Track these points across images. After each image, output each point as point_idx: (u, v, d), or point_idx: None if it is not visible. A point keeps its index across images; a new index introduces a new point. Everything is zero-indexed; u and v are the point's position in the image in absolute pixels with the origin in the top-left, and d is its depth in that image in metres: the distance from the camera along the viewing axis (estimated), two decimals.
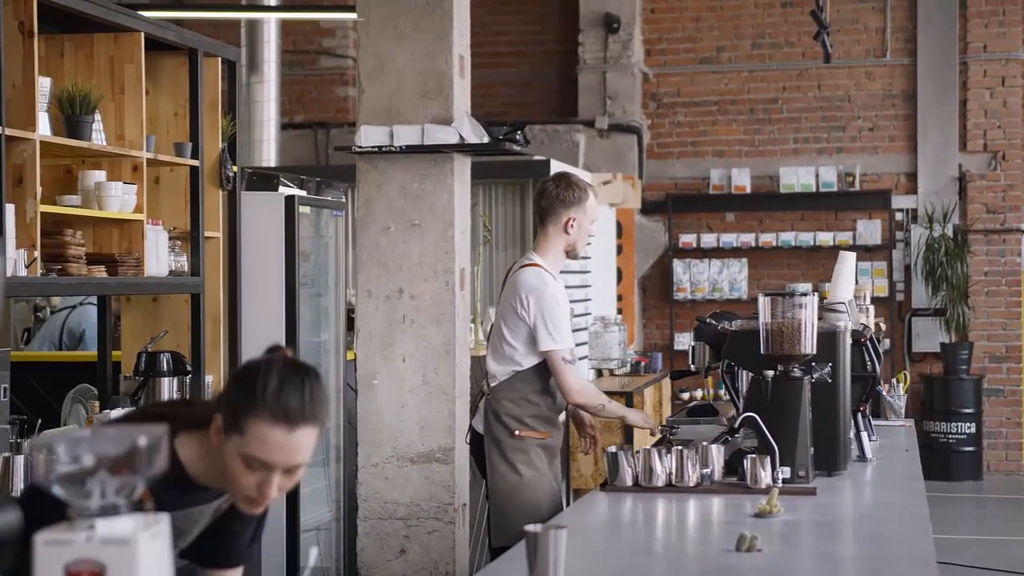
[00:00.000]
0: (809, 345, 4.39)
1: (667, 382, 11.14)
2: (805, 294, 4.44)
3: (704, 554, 3.47)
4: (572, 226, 5.08)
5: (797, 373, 4.40)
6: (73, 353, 7.14)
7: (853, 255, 5.55)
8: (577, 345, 8.83)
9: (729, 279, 12.78)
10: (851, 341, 4.86)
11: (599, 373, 10.23)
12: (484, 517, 7.37)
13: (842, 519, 4.00)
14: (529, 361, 5.00)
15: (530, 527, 2.72)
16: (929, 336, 12.54)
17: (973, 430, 12.20)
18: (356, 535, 5.77)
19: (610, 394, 8.94)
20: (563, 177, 5.25)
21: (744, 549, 3.29)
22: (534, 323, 4.93)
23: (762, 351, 4.42)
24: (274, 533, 6.09)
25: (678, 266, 12.88)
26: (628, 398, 9.07)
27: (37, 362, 6.82)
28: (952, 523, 10.57)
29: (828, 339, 4.54)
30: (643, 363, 10.72)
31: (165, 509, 2.59)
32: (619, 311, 11.98)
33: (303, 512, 6.34)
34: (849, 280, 5.40)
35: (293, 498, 6.20)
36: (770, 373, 4.39)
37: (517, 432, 4.99)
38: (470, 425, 5.23)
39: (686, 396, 12.25)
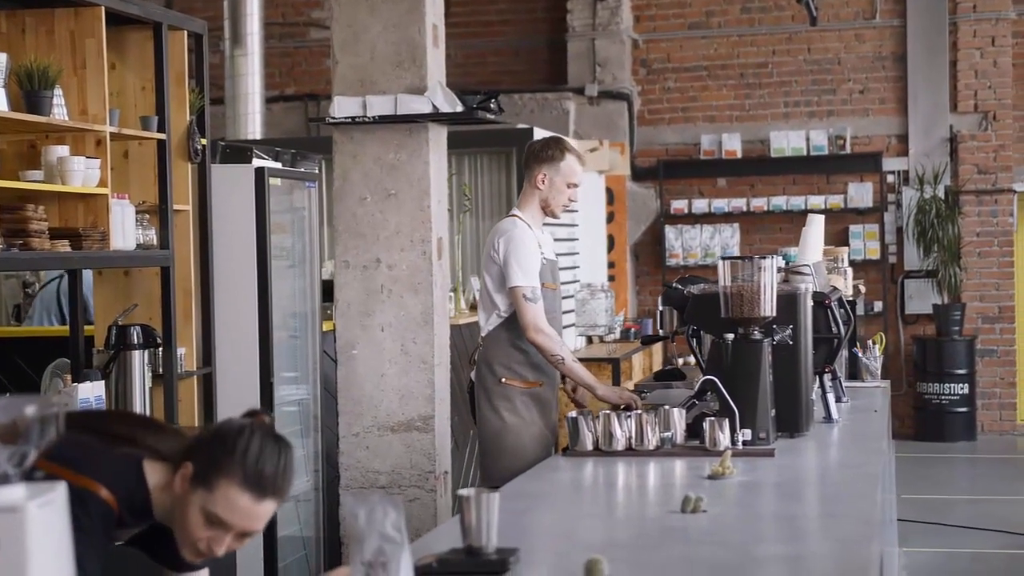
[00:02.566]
0: (768, 308, 4.40)
1: (658, 348, 11.17)
2: (764, 257, 4.44)
3: (648, 516, 3.50)
4: (544, 182, 5.27)
5: (757, 336, 4.42)
6: (57, 328, 7.17)
7: (821, 218, 5.57)
8: (564, 312, 8.91)
9: (721, 244, 12.78)
10: (815, 303, 4.87)
11: (588, 340, 10.25)
12: (468, 483, 7.42)
13: (795, 480, 4.02)
14: (506, 305, 5.19)
15: (462, 491, 2.75)
16: (922, 298, 12.53)
17: (966, 391, 12.21)
18: (337, 504, 5.80)
19: (598, 360, 9.04)
20: (547, 137, 5.55)
21: (689, 511, 3.31)
22: (503, 261, 5.14)
23: (722, 314, 4.44)
24: None
25: (670, 232, 12.88)
26: (615, 364, 9.10)
27: (22, 338, 6.85)
28: (945, 484, 10.61)
29: (788, 301, 4.55)
30: (633, 329, 10.74)
31: (124, 527, 2.63)
32: (611, 278, 12.00)
33: None
34: (817, 243, 5.41)
35: None
36: (730, 336, 4.41)
37: (503, 379, 5.19)
38: (469, 378, 5.43)
39: (680, 361, 12.26)
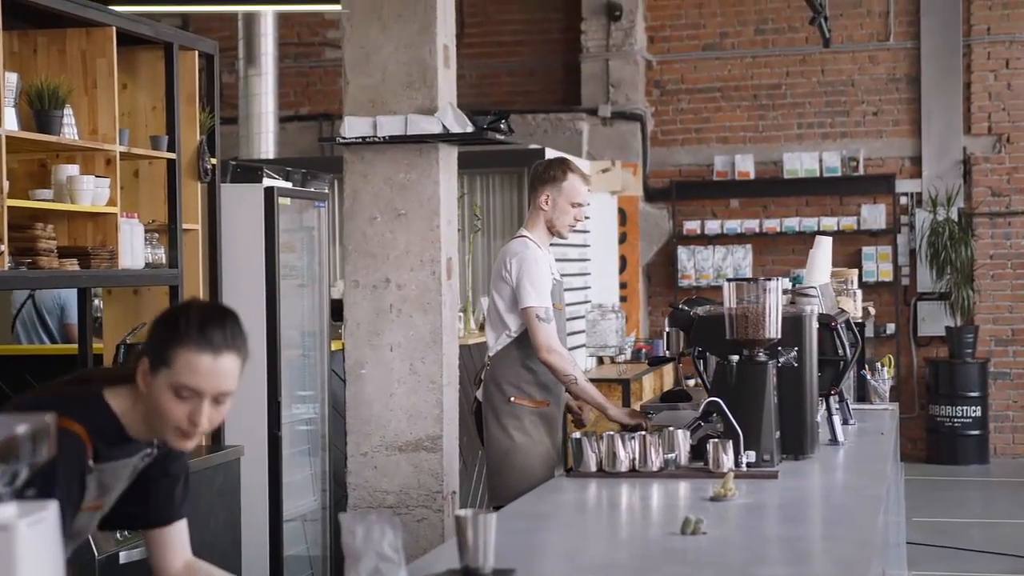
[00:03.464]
0: (773, 330, 4.40)
1: (669, 369, 11.14)
2: (769, 279, 4.45)
3: (649, 537, 3.50)
4: (548, 202, 5.33)
5: (762, 358, 4.42)
6: (66, 347, 7.20)
7: (829, 240, 5.57)
8: (574, 333, 8.92)
9: (733, 265, 12.78)
10: (821, 325, 4.87)
11: (599, 360, 10.25)
12: (476, 503, 7.42)
13: (797, 502, 4.00)
14: (517, 325, 5.23)
15: (460, 511, 2.76)
16: (935, 320, 12.51)
17: (979, 414, 12.17)
18: None
19: (608, 381, 9.04)
20: (551, 158, 5.61)
21: (689, 532, 3.31)
22: (516, 282, 5.18)
23: (727, 336, 4.44)
24: (256, 521, 6.14)
25: (682, 253, 12.88)
26: (625, 386, 9.09)
27: (32, 356, 6.88)
28: (957, 507, 10.56)
29: (794, 324, 4.55)
30: (645, 350, 10.73)
31: (102, 460, 2.70)
32: (624, 299, 12.00)
33: (288, 500, 6.39)
34: (824, 265, 5.42)
35: (275, 487, 6.25)
36: (735, 358, 4.41)
37: (512, 398, 5.23)
38: (475, 397, 5.45)
39: (692, 382, 12.22)
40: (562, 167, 5.38)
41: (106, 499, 2.84)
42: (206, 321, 2.70)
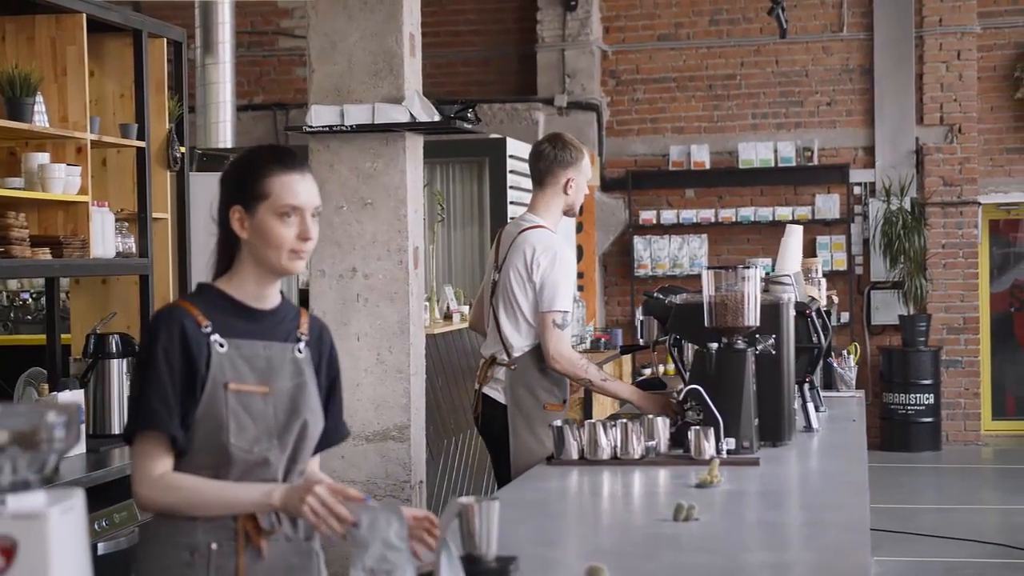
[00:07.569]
0: (752, 317, 4.42)
1: (628, 358, 11.19)
2: (748, 267, 4.47)
3: (641, 524, 3.51)
4: (571, 187, 5.00)
5: (741, 345, 4.44)
6: (29, 336, 7.13)
7: (800, 228, 5.60)
8: None
9: (689, 255, 12.84)
10: (796, 313, 4.91)
11: None
12: (442, 493, 7.40)
13: (781, 488, 4.04)
14: None
15: (462, 499, 2.75)
16: (888, 308, 12.63)
17: (932, 401, 12.31)
18: None
19: None
20: (558, 137, 5.12)
21: (681, 519, 3.33)
22: (541, 282, 4.86)
23: (706, 324, 4.45)
24: None
25: (639, 243, 12.92)
26: None
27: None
28: (911, 493, 10.67)
29: (771, 311, 4.57)
30: (603, 339, 10.76)
31: (229, 334, 2.81)
32: (580, 288, 12.02)
33: None
34: (796, 253, 5.45)
35: None
36: (714, 345, 4.43)
37: (546, 405, 4.95)
38: (478, 391, 5.06)
39: (648, 372, 12.29)
40: (575, 146, 5.04)
41: (274, 385, 2.86)
42: (277, 151, 2.91)
